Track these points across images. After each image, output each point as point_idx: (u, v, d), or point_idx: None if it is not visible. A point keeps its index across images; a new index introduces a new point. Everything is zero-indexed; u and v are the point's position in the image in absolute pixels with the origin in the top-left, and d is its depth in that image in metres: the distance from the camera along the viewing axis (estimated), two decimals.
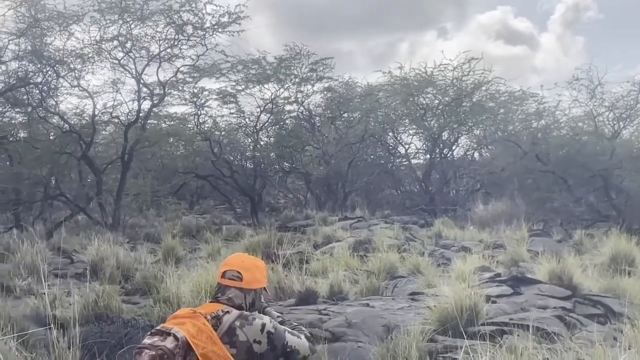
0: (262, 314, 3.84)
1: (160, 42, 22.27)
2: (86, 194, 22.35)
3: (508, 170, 27.71)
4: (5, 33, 19.96)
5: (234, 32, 22.47)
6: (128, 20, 21.25)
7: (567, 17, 74.89)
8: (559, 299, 9.64)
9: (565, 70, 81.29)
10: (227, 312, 3.66)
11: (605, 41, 73.45)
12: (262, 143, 31.00)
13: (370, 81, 32.46)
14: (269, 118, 29.81)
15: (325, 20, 67.23)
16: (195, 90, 26.90)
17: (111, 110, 24.10)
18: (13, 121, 23.89)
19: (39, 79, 21.69)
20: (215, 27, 22.20)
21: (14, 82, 20.86)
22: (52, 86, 22.66)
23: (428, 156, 31.41)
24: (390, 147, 33.22)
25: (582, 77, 25.28)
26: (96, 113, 22.88)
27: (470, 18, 76.33)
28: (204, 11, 21.77)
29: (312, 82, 28.79)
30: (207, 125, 29.16)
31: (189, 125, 28.62)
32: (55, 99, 23.65)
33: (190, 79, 25.75)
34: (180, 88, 26.14)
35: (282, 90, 28.23)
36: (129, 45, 21.94)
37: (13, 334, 6.86)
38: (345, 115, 31.36)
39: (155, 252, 16.39)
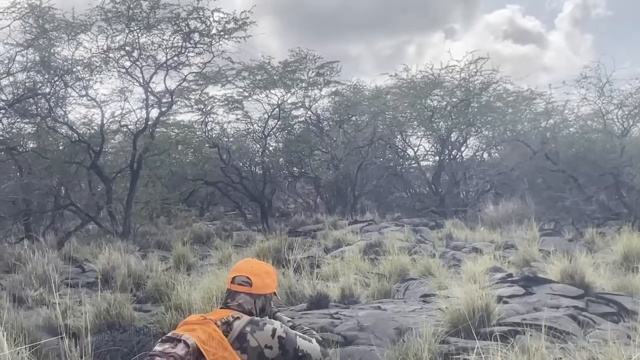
0: (272, 319, 3.84)
1: (167, 50, 22.32)
2: (96, 203, 22.37)
3: (518, 170, 27.65)
4: (12, 44, 20.05)
5: (240, 38, 22.48)
6: (135, 28, 21.29)
7: (576, 14, 74.89)
8: (571, 298, 9.60)
9: (575, 69, 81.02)
10: (238, 317, 3.66)
11: (614, 38, 73.30)
12: (270, 148, 31.08)
13: (377, 84, 32.47)
14: (276, 123, 29.86)
15: (332, 24, 67.35)
16: (202, 98, 26.97)
17: (119, 119, 24.18)
18: (22, 132, 23.96)
19: (47, 90, 21.74)
20: (222, 33, 22.22)
21: (23, 93, 20.92)
22: (60, 96, 22.74)
23: (437, 158, 31.34)
24: (399, 150, 33.18)
25: (590, 75, 25.21)
26: (105, 122, 22.95)
27: (478, 18, 76.45)
28: (211, 19, 21.81)
29: (319, 86, 28.84)
30: (215, 132, 29.28)
31: (197, 133, 28.67)
32: (64, 109, 23.71)
33: (197, 87, 25.80)
34: (186, 96, 26.20)
35: (289, 95, 28.30)
36: (136, 54, 21.99)
37: (25, 344, 6.87)
38: (354, 118, 31.39)
39: (166, 260, 16.40)
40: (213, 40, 22.37)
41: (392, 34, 70.92)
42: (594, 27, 77.87)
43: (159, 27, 21.59)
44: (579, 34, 78.08)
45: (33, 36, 20.13)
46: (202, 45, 22.51)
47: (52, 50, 20.93)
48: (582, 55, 70.35)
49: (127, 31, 21.29)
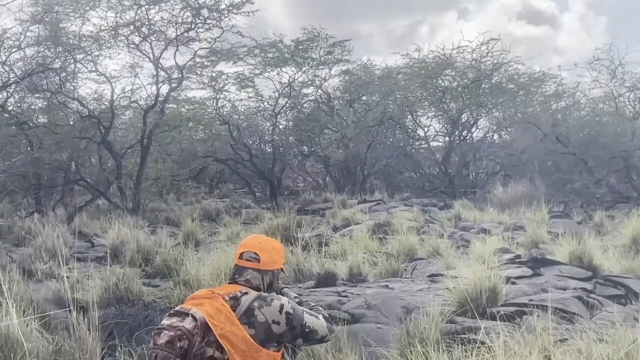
0: (279, 295, 3.85)
1: (177, 25, 22.26)
2: (106, 179, 22.47)
3: (528, 152, 27.57)
4: (22, 20, 20.02)
5: (248, 12, 22.39)
6: (144, 4, 21.22)
7: None
8: (579, 280, 9.60)
9: (588, 51, 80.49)
10: (246, 293, 3.66)
11: (628, 21, 72.60)
12: (280, 127, 31.13)
13: (389, 63, 32.38)
14: (287, 102, 29.88)
15: (344, 3, 66.96)
16: (213, 74, 26.94)
17: (130, 94, 24.20)
18: (33, 107, 24.02)
19: (57, 65, 21.75)
20: (230, 8, 22.14)
21: (33, 68, 20.92)
22: (70, 71, 22.78)
23: (447, 138, 31.30)
24: (409, 130, 33.10)
25: (602, 57, 25.08)
26: (115, 98, 22.99)
27: None
28: None
29: (330, 65, 28.79)
30: (225, 110, 29.30)
31: (208, 110, 28.68)
32: (74, 84, 23.80)
33: (208, 63, 25.77)
34: (198, 72, 26.18)
35: (300, 73, 28.28)
36: (145, 30, 21.95)
37: (35, 316, 6.92)
38: (364, 98, 31.31)
39: (175, 236, 16.46)
40: (222, 15, 22.30)
41: (405, 13, 70.66)
42: (608, 9, 77.19)
43: (168, 2, 21.54)
44: (593, 16, 77.47)
45: (42, 11, 20.08)
46: (211, 21, 22.46)
47: (60, 26, 20.90)
48: (596, 37, 69.83)
49: (136, 7, 21.24)
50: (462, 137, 31.12)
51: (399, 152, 31.89)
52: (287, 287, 4.26)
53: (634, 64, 34.90)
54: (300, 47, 27.24)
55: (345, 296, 8.86)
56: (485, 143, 32.41)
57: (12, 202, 22.30)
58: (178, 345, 3.35)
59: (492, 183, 26.35)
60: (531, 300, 8.23)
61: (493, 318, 7.40)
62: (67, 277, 8.82)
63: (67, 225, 17.15)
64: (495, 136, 33.77)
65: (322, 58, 28.02)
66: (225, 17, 22.39)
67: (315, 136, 30.87)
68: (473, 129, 31.96)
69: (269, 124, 31.15)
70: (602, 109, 27.42)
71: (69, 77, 22.89)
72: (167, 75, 23.34)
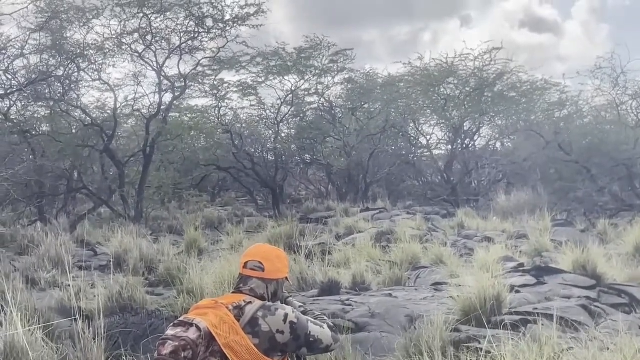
0: (284, 304, 3.84)
1: (181, 34, 22.32)
2: (109, 187, 22.52)
3: (530, 160, 27.54)
4: (25, 28, 20.06)
5: (253, 25, 22.47)
6: (148, 13, 21.26)
7: (593, 3, 74.27)
8: (583, 289, 9.58)
9: (590, 58, 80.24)
10: (250, 302, 3.66)
11: (631, 28, 72.59)
12: (283, 135, 31.16)
13: (391, 71, 32.42)
14: (289, 110, 29.96)
15: (346, 10, 67.05)
16: (216, 83, 26.98)
17: (133, 103, 24.33)
18: (36, 115, 24.06)
19: (60, 73, 21.80)
20: (235, 20, 22.20)
21: (36, 76, 20.97)
22: (73, 79, 22.83)
23: (450, 147, 31.26)
24: (412, 138, 33.07)
25: (605, 65, 25.10)
26: (118, 106, 23.05)
27: (494, 6, 75.95)
28: (223, 3, 21.79)
29: (332, 73, 28.85)
30: (228, 118, 29.35)
31: (210, 118, 28.72)
32: (77, 93, 23.89)
33: (211, 72, 25.81)
34: (200, 81, 26.21)
35: (302, 81, 28.36)
36: (149, 38, 21.99)
37: (39, 325, 6.92)
38: (366, 106, 31.35)
39: (178, 244, 16.47)
40: (227, 26, 22.36)
41: (407, 20, 70.77)
42: (611, 17, 77.25)
43: (173, 10, 21.57)
44: (595, 23, 77.52)
45: (45, 19, 20.11)
46: (215, 31, 22.50)
47: (64, 34, 20.96)
48: (598, 45, 69.82)
49: (140, 15, 21.28)
50: (464, 145, 31.11)
51: (402, 160, 31.89)
52: (292, 296, 4.25)
53: (636, 72, 35.07)
54: (303, 55, 27.30)
55: (349, 305, 8.85)
56: (488, 151, 32.39)
57: (15, 211, 22.34)
58: (182, 355, 3.34)
59: (495, 191, 26.35)
60: (535, 309, 8.21)
61: (497, 327, 7.39)
62: (71, 285, 8.81)
63: (70, 233, 17.17)
64: (498, 144, 33.79)
65: (324, 66, 28.09)
66: (230, 28, 22.47)
67: (318, 144, 30.91)
68: (475, 137, 31.99)
69: (271, 132, 31.22)
70: (604, 117, 27.43)
71: (72, 86, 23.00)
72: (170, 84, 23.39)
